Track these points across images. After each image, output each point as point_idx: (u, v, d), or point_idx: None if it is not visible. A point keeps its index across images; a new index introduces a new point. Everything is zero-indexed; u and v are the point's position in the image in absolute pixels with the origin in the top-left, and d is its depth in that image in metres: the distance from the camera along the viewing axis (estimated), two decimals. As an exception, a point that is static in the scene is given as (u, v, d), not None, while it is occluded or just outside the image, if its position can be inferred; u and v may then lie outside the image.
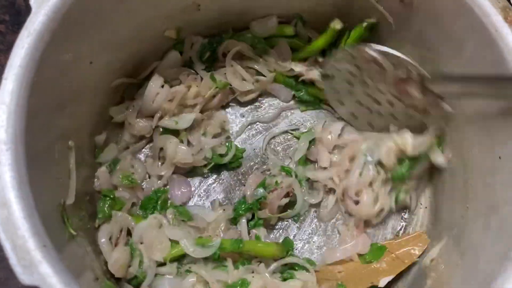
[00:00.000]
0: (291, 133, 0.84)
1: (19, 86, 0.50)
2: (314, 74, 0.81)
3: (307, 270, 0.72)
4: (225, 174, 0.81)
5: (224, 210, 0.75)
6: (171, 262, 0.69)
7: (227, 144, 0.81)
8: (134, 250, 0.68)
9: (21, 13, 0.96)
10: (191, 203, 0.79)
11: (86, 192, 0.69)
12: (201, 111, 0.80)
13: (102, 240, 0.68)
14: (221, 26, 0.81)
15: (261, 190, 0.74)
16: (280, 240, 0.77)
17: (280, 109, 0.85)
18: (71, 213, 0.60)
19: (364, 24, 0.75)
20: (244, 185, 0.78)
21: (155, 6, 0.70)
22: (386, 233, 0.79)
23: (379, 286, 0.71)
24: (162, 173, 0.77)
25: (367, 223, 0.78)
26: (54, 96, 0.57)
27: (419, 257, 0.73)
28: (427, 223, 0.78)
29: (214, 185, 0.80)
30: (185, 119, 0.77)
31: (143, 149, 0.81)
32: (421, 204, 0.79)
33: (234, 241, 0.69)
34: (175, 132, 0.78)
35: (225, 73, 0.82)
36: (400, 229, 0.80)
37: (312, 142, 0.82)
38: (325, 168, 0.79)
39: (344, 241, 0.76)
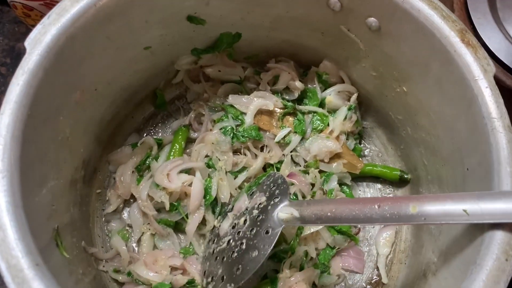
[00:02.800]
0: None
1: (15, 120, 0.55)
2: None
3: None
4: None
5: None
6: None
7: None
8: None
9: (21, 56, 1.01)
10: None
11: (81, 217, 0.73)
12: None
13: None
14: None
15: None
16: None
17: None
18: (64, 238, 0.64)
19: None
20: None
21: (141, 43, 0.76)
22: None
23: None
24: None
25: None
26: (47, 128, 0.62)
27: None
28: (410, 237, 0.81)
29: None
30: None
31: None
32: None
33: None
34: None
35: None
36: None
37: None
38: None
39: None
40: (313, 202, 0.67)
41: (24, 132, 0.55)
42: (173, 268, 0.77)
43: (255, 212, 0.71)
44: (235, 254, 0.69)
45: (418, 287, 0.71)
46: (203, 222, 0.81)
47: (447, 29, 0.63)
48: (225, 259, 0.71)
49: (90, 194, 0.80)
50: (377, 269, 0.81)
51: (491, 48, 0.78)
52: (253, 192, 0.76)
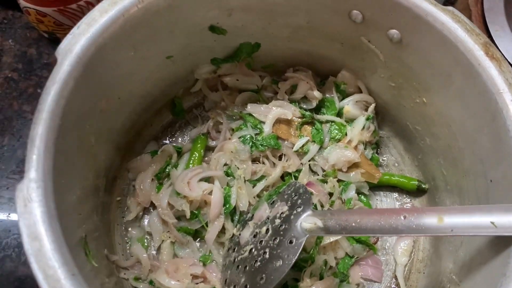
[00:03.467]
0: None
1: (47, 130, 0.55)
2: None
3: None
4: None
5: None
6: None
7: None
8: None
9: (32, 62, 1.02)
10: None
11: (103, 225, 0.74)
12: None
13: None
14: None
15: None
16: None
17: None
18: (92, 246, 0.64)
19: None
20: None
21: (164, 53, 0.76)
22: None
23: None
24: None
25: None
26: (75, 137, 0.62)
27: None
28: (429, 246, 0.82)
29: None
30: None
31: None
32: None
33: None
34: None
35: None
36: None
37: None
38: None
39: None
40: (336, 212, 0.68)
41: (55, 141, 0.56)
42: (194, 277, 0.77)
43: (278, 221, 0.72)
44: (258, 263, 0.70)
45: (438, 297, 0.72)
46: (222, 230, 0.81)
47: (471, 42, 0.64)
48: (247, 268, 0.71)
49: (110, 201, 0.80)
50: (395, 278, 0.82)
51: (509, 60, 0.79)
52: (273, 201, 0.77)
